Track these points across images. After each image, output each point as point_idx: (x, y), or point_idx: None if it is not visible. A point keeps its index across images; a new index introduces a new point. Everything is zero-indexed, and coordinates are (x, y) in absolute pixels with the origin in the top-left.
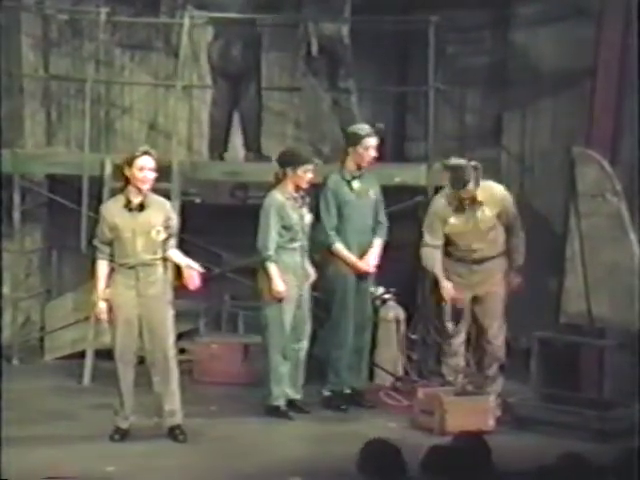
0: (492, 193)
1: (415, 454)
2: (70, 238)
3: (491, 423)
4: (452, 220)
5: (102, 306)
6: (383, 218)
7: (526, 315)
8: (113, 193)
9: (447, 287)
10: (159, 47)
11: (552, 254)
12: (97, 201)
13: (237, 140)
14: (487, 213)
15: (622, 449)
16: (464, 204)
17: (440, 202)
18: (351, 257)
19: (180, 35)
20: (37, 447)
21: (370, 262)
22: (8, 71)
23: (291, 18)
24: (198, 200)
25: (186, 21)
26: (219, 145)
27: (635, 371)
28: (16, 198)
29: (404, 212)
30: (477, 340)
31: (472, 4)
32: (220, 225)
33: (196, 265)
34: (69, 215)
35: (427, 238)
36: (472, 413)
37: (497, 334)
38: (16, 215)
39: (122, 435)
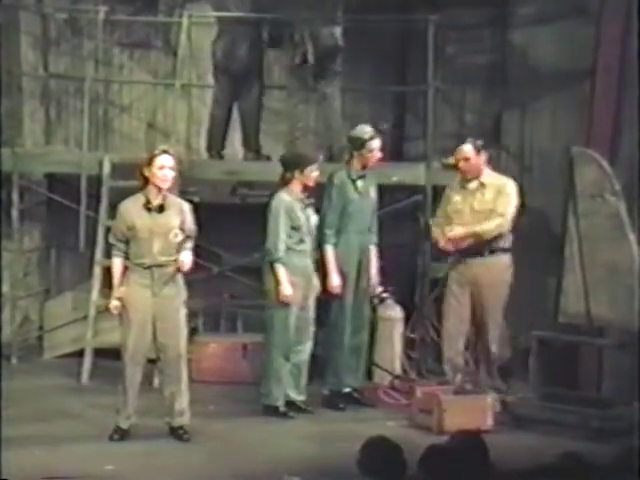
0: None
1: (413, 453)
2: (69, 237)
3: (489, 422)
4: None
5: (117, 304)
6: (375, 222)
7: (525, 315)
8: (112, 192)
9: None
10: (158, 46)
11: (551, 254)
12: (96, 200)
13: (235, 138)
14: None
15: (621, 448)
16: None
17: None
18: (332, 267)
19: (179, 34)
20: (36, 446)
21: (373, 280)
22: (7, 70)
23: (288, 19)
24: (197, 199)
25: (185, 20)
26: (217, 143)
27: (634, 370)
28: (15, 197)
29: (402, 212)
30: (476, 338)
31: (471, 3)
32: (219, 224)
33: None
34: (68, 214)
35: None
36: (470, 412)
37: (493, 332)
38: (15, 214)
39: (122, 435)
